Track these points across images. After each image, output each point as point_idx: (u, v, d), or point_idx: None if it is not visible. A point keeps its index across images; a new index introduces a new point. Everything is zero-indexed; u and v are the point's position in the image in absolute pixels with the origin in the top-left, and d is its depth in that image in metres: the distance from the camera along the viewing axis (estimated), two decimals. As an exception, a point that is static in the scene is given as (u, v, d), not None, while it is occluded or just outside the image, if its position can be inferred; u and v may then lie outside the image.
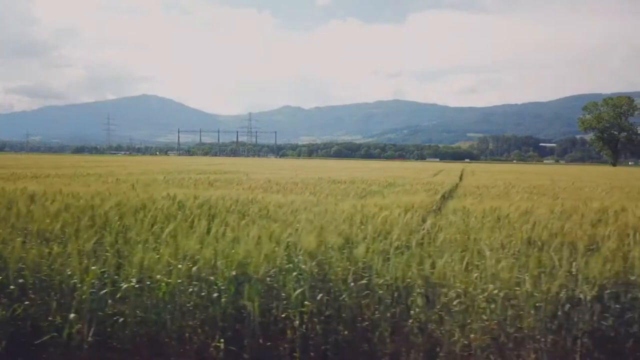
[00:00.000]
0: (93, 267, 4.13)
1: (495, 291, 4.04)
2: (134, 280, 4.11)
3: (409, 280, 4.19)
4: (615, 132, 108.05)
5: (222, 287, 4.11)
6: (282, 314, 4.10)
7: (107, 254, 4.41)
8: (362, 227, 5.52)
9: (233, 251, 4.26)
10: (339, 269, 4.22)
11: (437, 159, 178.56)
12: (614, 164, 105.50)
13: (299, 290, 4.05)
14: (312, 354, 4.05)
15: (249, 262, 4.16)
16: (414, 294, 4.15)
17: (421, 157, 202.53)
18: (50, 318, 3.97)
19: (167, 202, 6.64)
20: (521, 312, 4.06)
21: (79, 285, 4.04)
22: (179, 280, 4.10)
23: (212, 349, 3.98)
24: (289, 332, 4.09)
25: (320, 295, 4.14)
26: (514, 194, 12.30)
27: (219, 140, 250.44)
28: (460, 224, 6.09)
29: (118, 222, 5.57)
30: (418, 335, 4.04)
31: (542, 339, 4.00)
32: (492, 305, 4.04)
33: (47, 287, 4.13)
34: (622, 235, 5.25)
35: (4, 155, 76.24)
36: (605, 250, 4.46)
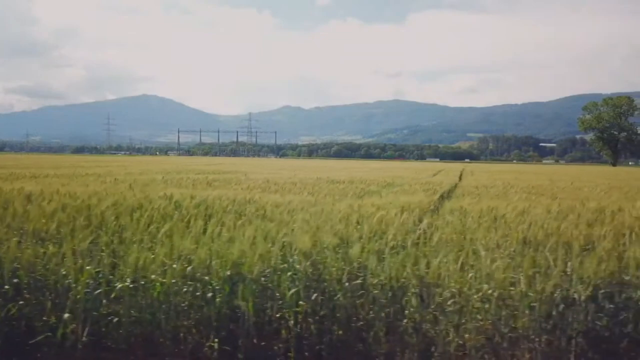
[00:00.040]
0: (88, 267, 4.13)
1: (490, 291, 4.04)
2: (128, 280, 4.11)
3: (403, 280, 4.19)
4: (615, 132, 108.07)
5: (217, 287, 4.11)
6: (277, 313, 4.11)
7: (102, 253, 4.42)
8: (358, 227, 5.52)
9: (228, 251, 4.26)
10: (334, 269, 4.22)
11: (437, 159, 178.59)
12: (614, 164, 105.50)
13: (293, 290, 4.06)
14: (306, 353, 4.05)
15: (243, 262, 4.16)
16: (409, 293, 4.15)
17: (421, 157, 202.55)
18: (44, 318, 3.97)
19: (163, 202, 6.63)
20: (516, 312, 4.07)
21: (74, 285, 4.04)
22: (174, 280, 4.10)
23: (206, 348, 3.99)
24: (283, 332, 4.10)
25: (315, 295, 4.14)
26: (512, 194, 12.30)
27: (219, 140, 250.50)
28: (457, 224, 6.09)
29: (114, 222, 5.57)
30: (413, 335, 4.04)
31: (537, 339, 4.00)
32: (487, 305, 4.04)
33: (42, 286, 4.13)
34: (617, 235, 5.25)
35: (4, 155, 76.26)
36: (600, 250, 4.46)
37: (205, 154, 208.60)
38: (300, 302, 4.08)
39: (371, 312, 4.12)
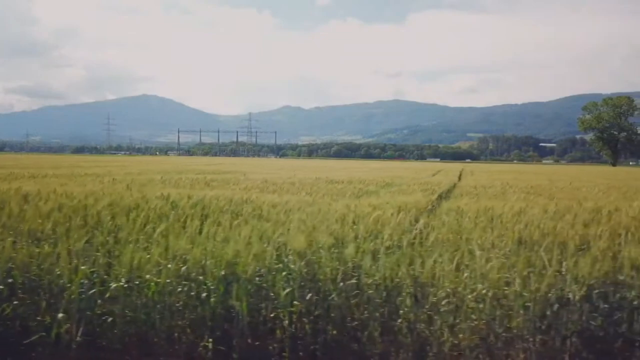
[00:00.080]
0: (82, 267, 4.13)
1: (484, 291, 4.04)
2: (123, 280, 4.11)
3: (398, 280, 4.19)
4: (615, 132, 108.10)
5: (212, 287, 4.11)
6: (271, 313, 4.11)
7: (98, 253, 4.42)
8: (354, 226, 5.52)
9: (222, 251, 4.26)
10: (328, 269, 4.22)
11: (438, 159, 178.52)
12: (613, 164, 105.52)
13: (287, 290, 4.06)
14: (301, 353, 4.05)
15: (237, 262, 4.16)
16: (404, 293, 4.15)
17: (421, 157, 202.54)
18: (39, 318, 3.97)
19: (160, 202, 6.64)
20: (510, 312, 4.07)
21: (68, 285, 4.04)
22: (168, 280, 4.10)
23: (200, 348, 3.99)
24: (278, 331, 4.10)
25: (310, 295, 4.14)
26: (510, 194, 12.30)
27: (219, 140, 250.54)
28: (453, 224, 6.09)
29: (110, 222, 5.58)
30: (407, 335, 4.04)
31: (531, 339, 4.00)
32: (481, 305, 4.04)
33: (37, 286, 4.13)
34: (613, 235, 5.25)
35: (4, 155, 76.28)
36: (595, 250, 4.46)
37: (205, 154, 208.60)
38: (295, 302, 4.08)
39: (366, 312, 4.12)
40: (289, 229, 5.13)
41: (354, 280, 4.22)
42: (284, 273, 4.20)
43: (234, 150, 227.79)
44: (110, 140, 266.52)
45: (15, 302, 4.04)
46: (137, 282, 4.13)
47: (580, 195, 11.51)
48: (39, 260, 4.26)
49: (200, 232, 5.01)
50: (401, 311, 4.08)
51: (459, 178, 24.89)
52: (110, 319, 4.02)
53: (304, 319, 4.08)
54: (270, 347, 4.08)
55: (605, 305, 4.05)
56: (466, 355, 3.99)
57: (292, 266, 4.23)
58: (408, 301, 4.09)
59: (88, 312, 3.99)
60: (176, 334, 4.06)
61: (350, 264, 4.33)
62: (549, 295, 4.04)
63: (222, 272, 4.12)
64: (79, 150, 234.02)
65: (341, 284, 4.17)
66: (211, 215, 6.21)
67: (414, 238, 5.14)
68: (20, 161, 40.08)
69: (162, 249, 4.39)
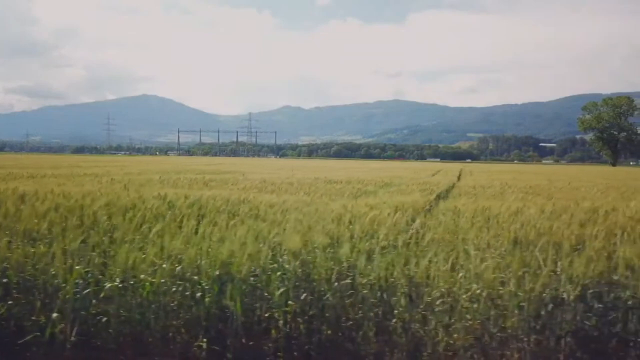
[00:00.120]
0: (77, 267, 4.13)
1: (478, 291, 4.04)
2: (117, 279, 4.11)
3: (393, 280, 4.20)
4: (615, 132, 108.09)
5: (206, 287, 4.11)
6: (266, 313, 4.11)
7: (93, 253, 4.42)
8: (350, 226, 5.52)
9: (217, 251, 4.27)
10: (323, 268, 4.22)
11: (438, 159, 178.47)
12: (613, 164, 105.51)
13: (281, 290, 4.06)
14: (295, 353, 4.05)
15: (232, 262, 4.16)
16: (399, 293, 4.15)
17: (421, 157, 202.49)
18: (33, 317, 3.97)
19: (157, 202, 6.64)
20: (505, 312, 4.07)
21: (63, 285, 4.04)
22: (163, 280, 4.11)
23: (195, 348, 3.99)
24: (273, 331, 4.10)
25: (304, 295, 4.14)
26: (509, 194, 12.30)
27: (219, 140, 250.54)
28: (450, 224, 6.10)
29: (107, 222, 5.58)
30: (402, 335, 4.04)
31: (526, 339, 4.00)
32: (476, 305, 4.04)
33: (31, 286, 4.13)
34: (609, 235, 5.26)
35: (4, 155, 76.28)
36: (590, 250, 4.46)
37: (205, 154, 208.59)
38: (290, 302, 4.08)
39: (360, 312, 4.12)
40: (284, 229, 5.14)
41: (348, 280, 4.22)
42: (278, 273, 4.20)
43: (234, 150, 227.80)
44: (110, 140, 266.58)
45: (9, 302, 4.04)
46: (132, 282, 4.13)
47: (578, 195, 11.51)
48: (34, 260, 4.26)
49: (196, 232, 5.02)
50: (396, 311, 4.08)
51: (458, 178, 24.89)
52: (104, 319, 4.02)
53: (299, 319, 4.08)
54: (265, 347, 4.08)
55: (600, 305, 4.05)
56: (461, 355, 3.99)
57: (287, 266, 4.23)
58: (403, 301, 4.10)
59: (83, 312, 3.99)
60: (171, 334, 4.06)
61: (345, 264, 4.33)
62: (544, 295, 4.05)
63: (217, 272, 4.12)
64: (79, 150, 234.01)
65: (336, 283, 4.17)
66: (208, 215, 6.22)
67: (410, 238, 5.14)
68: (20, 161, 40.08)
69: (158, 248, 4.40)
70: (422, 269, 4.19)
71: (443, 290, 4.12)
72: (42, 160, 44.89)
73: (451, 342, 4.02)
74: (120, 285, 4.11)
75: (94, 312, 4.04)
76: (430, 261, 4.31)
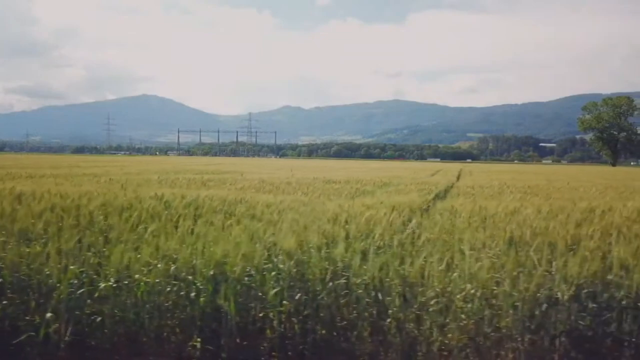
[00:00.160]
0: (72, 267, 4.14)
1: (472, 291, 4.04)
2: (112, 279, 4.12)
3: (387, 280, 4.20)
4: (615, 132, 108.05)
5: (201, 287, 4.11)
6: (260, 313, 4.11)
7: (88, 253, 4.42)
8: (346, 226, 5.52)
9: (211, 251, 4.27)
10: (317, 268, 4.22)
11: (438, 159, 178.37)
12: (613, 164, 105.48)
13: (275, 290, 4.06)
14: (290, 353, 4.05)
15: (226, 262, 4.16)
16: (393, 293, 4.15)
17: (421, 157, 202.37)
18: (27, 317, 3.97)
19: (153, 202, 6.64)
20: (499, 312, 4.07)
21: (57, 284, 4.04)
22: (157, 280, 4.11)
23: (189, 348, 3.99)
24: (267, 331, 4.10)
25: (299, 295, 4.14)
26: (507, 194, 12.32)
27: (218, 140, 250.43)
28: (446, 224, 6.10)
29: (102, 222, 5.59)
30: (396, 334, 4.04)
31: (520, 339, 4.00)
32: (470, 305, 4.04)
33: (26, 286, 4.13)
34: (604, 235, 5.26)
35: (4, 155, 76.27)
36: (585, 250, 4.46)
37: (205, 154, 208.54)
38: (284, 302, 4.08)
39: (355, 311, 4.12)
40: (280, 229, 5.14)
41: (343, 280, 4.22)
42: (273, 273, 4.20)
43: (234, 150, 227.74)
44: (110, 140, 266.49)
45: (4, 302, 4.04)
46: (127, 282, 4.14)
47: (576, 196, 11.52)
48: (29, 260, 4.27)
49: (192, 232, 5.02)
50: (390, 311, 4.08)
51: (458, 178, 24.90)
52: (99, 319, 4.02)
53: (293, 319, 4.08)
54: (260, 347, 4.08)
55: (594, 305, 4.05)
56: (455, 355, 3.99)
57: (282, 266, 4.23)
58: (397, 301, 4.10)
59: (77, 312, 4.00)
60: (165, 334, 4.07)
61: (340, 264, 4.33)
62: (538, 295, 4.05)
63: (211, 272, 4.12)
64: (79, 150, 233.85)
65: (330, 283, 4.17)
66: (204, 215, 6.22)
67: (406, 238, 5.14)
68: (20, 161, 40.10)
69: (153, 248, 4.40)
70: (417, 269, 4.19)
71: (437, 290, 4.12)
72: (41, 160, 44.89)
73: (446, 341, 4.02)
74: (115, 285, 4.12)
75: (88, 312, 4.04)
76: (425, 261, 4.32)
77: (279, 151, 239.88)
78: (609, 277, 4.15)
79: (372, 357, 4.05)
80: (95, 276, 4.18)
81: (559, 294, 4.05)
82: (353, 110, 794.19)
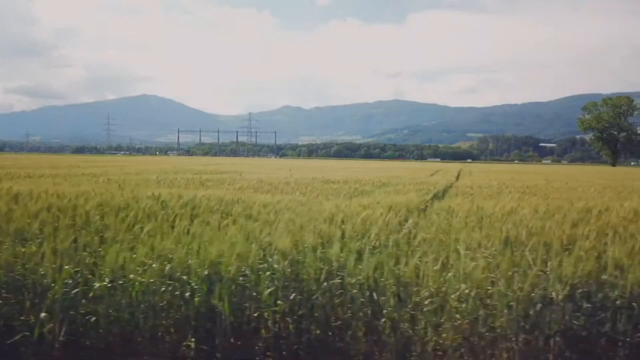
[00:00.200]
0: (67, 267, 4.14)
1: (467, 291, 4.04)
2: (107, 279, 4.12)
3: (382, 279, 4.20)
4: (615, 132, 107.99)
5: (195, 287, 4.11)
6: (255, 313, 4.11)
7: (83, 253, 4.43)
8: (342, 226, 5.52)
9: (206, 251, 4.27)
10: (312, 268, 4.22)
11: (439, 159, 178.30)
12: (613, 164, 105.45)
13: (269, 290, 4.06)
14: (284, 353, 4.05)
15: (221, 262, 4.16)
16: (388, 293, 4.15)
17: (421, 157, 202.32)
18: (22, 317, 3.98)
19: (150, 202, 6.65)
20: (494, 312, 4.07)
21: (52, 284, 4.04)
22: (152, 280, 4.11)
23: (184, 348, 3.99)
24: (262, 331, 4.10)
25: (293, 294, 4.14)
26: (505, 194, 12.31)
27: (218, 140, 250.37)
28: (443, 224, 6.10)
29: (99, 222, 5.59)
30: (390, 334, 4.04)
31: (514, 339, 4.00)
32: (464, 305, 4.05)
33: (21, 286, 4.14)
34: (600, 235, 5.26)
35: (3, 155, 76.26)
36: (580, 250, 4.46)
37: (205, 154, 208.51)
38: (279, 302, 4.08)
39: (349, 311, 4.13)
40: (275, 229, 5.14)
41: (338, 280, 4.22)
42: (268, 273, 4.20)
43: (234, 150, 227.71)
44: (110, 140, 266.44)
45: (-1, 302, 4.05)
46: (121, 282, 4.14)
47: (574, 195, 11.52)
48: (24, 260, 4.27)
49: (188, 232, 5.02)
50: (385, 311, 4.08)
51: (457, 178, 24.89)
52: (94, 319, 4.02)
53: (288, 319, 4.09)
54: (255, 347, 4.08)
55: (589, 305, 4.06)
56: (450, 355, 3.99)
57: (276, 266, 4.23)
58: (392, 301, 4.10)
59: (72, 312, 4.00)
60: (160, 334, 4.07)
61: (335, 264, 4.33)
62: (533, 294, 4.05)
63: (206, 272, 4.13)
64: (79, 150, 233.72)
65: (325, 283, 4.17)
66: (201, 215, 6.22)
67: (401, 238, 5.15)
68: (19, 161, 40.10)
69: (148, 248, 4.40)
70: (412, 269, 4.19)
71: (432, 290, 4.12)
72: (41, 160, 44.89)
73: (440, 341, 4.02)
74: (110, 285, 4.12)
75: (83, 311, 4.04)
76: (420, 261, 4.32)
77: (279, 151, 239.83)
78: (604, 277, 4.15)
79: (366, 357, 4.06)
80: (90, 276, 4.19)
81: (554, 294, 4.05)
82: (353, 110, 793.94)
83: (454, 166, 54.16)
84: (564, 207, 7.43)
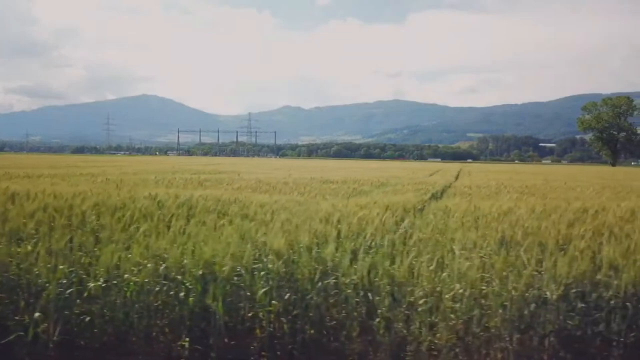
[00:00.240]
0: (61, 267, 4.14)
1: (461, 290, 4.04)
2: (101, 279, 4.12)
3: (377, 279, 4.20)
4: (615, 132, 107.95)
5: (190, 287, 4.11)
6: (249, 313, 4.11)
7: (79, 253, 4.43)
8: (338, 226, 5.52)
9: (201, 250, 4.27)
10: (306, 268, 4.22)
11: (439, 159, 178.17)
12: (613, 164, 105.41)
13: (263, 290, 4.06)
14: (279, 353, 4.05)
15: (215, 262, 4.16)
16: (383, 293, 4.15)
17: (421, 157, 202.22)
18: (17, 317, 3.98)
19: (147, 202, 6.65)
20: (489, 312, 4.07)
21: (47, 284, 4.04)
22: (146, 280, 4.11)
23: (178, 347, 3.99)
24: (257, 331, 4.10)
25: (288, 294, 4.14)
26: (503, 194, 12.31)
27: (218, 140, 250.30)
28: (439, 224, 6.10)
29: (95, 222, 5.59)
30: (385, 334, 4.04)
31: (509, 338, 4.00)
32: (458, 305, 4.04)
33: (15, 286, 4.13)
34: (596, 235, 5.26)
35: (3, 155, 76.22)
36: (575, 250, 4.46)
37: (205, 154, 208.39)
38: (273, 302, 4.08)
39: (344, 311, 4.12)
40: (271, 229, 5.14)
41: (332, 280, 4.22)
42: (262, 273, 4.20)
43: (234, 150, 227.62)
44: (110, 140, 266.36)
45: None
46: (116, 282, 4.14)
47: (571, 195, 11.52)
48: (19, 260, 4.27)
49: (183, 232, 5.02)
50: (379, 310, 4.08)
51: (456, 178, 24.88)
52: (88, 319, 4.02)
53: (282, 319, 4.08)
54: (250, 347, 4.08)
55: (583, 305, 4.06)
56: (444, 355, 3.99)
57: (271, 266, 4.23)
58: (386, 300, 4.10)
59: (66, 312, 4.00)
60: (154, 333, 4.07)
61: (329, 264, 4.33)
62: (527, 294, 4.05)
63: (200, 272, 4.12)
64: (79, 150, 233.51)
65: (319, 283, 4.17)
66: (197, 215, 6.22)
67: (397, 237, 5.14)
68: (19, 161, 40.09)
69: (143, 248, 4.40)
70: (406, 269, 4.19)
71: (427, 289, 4.12)
72: (41, 160, 44.87)
73: (435, 341, 4.02)
74: (104, 285, 4.12)
75: (77, 311, 4.04)
76: (414, 261, 4.32)
77: (278, 151, 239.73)
78: (598, 277, 4.15)
79: (361, 357, 4.06)
80: (84, 276, 4.19)
81: (548, 294, 4.05)
82: (353, 110, 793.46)
83: (454, 166, 54.13)
84: (561, 207, 7.43)
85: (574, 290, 4.07)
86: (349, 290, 4.14)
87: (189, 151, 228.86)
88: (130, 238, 4.84)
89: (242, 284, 4.16)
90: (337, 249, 4.45)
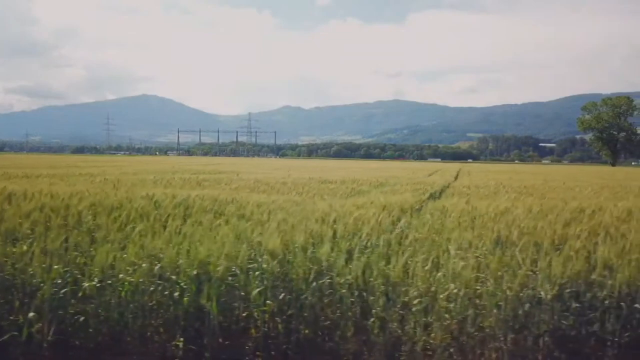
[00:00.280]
0: (56, 266, 4.14)
1: (455, 290, 4.04)
2: (96, 279, 4.12)
3: (371, 279, 4.20)
4: (615, 132, 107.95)
5: (184, 286, 4.12)
6: (244, 313, 4.11)
7: (74, 253, 4.43)
8: (334, 225, 5.52)
9: (196, 250, 4.27)
10: (301, 268, 4.22)
11: (439, 159, 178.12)
12: (613, 164, 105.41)
13: (258, 289, 4.06)
14: (273, 352, 4.06)
15: (210, 262, 4.16)
16: (377, 293, 4.16)
17: (421, 157, 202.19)
18: (11, 317, 3.98)
19: (143, 202, 6.65)
20: (483, 311, 4.07)
21: (41, 284, 4.04)
22: (141, 280, 4.11)
23: (173, 347, 3.99)
24: (251, 331, 4.11)
25: (283, 294, 4.14)
26: (502, 194, 12.31)
27: (218, 140, 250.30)
28: (435, 224, 6.10)
29: (91, 222, 5.59)
30: (380, 334, 4.04)
31: (503, 338, 4.00)
32: (453, 304, 4.05)
33: (10, 285, 4.14)
34: (591, 235, 5.26)
35: (3, 155, 76.23)
36: (570, 250, 4.46)
37: (205, 154, 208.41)
38: (268, 302, 4.09)
39: (338, 311, 4.13)
40: (267, 229, 5.14)
41: (327, 280, 4.22)
42: (257, 272, 4.20)
43: (234, 150, 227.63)
44: (110, 140, 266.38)
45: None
46: (111, 282, 4.14)
47: (569, 195, 11.51)
48: (14, 260, 4.27)
49: (179, 232, 5.02)
50: (374, 310, 4.08)
51: (455, 178, 24.88)
52: (83, 319, 4.02)
53: (277, 319, 4.09)
54: (244, 347, 4.08)
55: (577, 305, 4.06)
56: (439, 354, 3.99)
57: (265, 266, 4.23)
58: (381, 300, 4.10)
59: (60, 312, 4.00)
60: (149, 333, 4.07)
61: (324, 263, 4.33)
62: (522, 294, 4.05)
63: (195, 272, 4.13)
64: (79, 150, 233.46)
65: (314, 283, 4.17)
66: (194, 215, 6.22)
67: (393, 237, 5.14)
68: (18, 161, 40.10)
69: (138, 248, 4.40)
70: (401, 268, 4.19)
71: (421, 289, 4.12)
72: (40, 160, 44.88)
73: (429, 341, 4.02)
74: (99, 285, 4.12)
75: (72, 311, 4.05)
76: (409, 261, 4.32)
77: (278, 151, 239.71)
78: (593, 276, 4.15)
79: (355, 357, 4.06)
80: (79, 276, 4.19)
81: (543, 294, 4.05)
82: (353, 110, 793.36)
83: (454, 166, 54.12)
84: (558, 207, 7.43)
85: (568, 290, 4.07)
86: (344, 290, 4.14)
87: (189, 151, 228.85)
88: (126, 238, 4.84)
89: (237, 284, 4.16)
90: (332, 249, 4.45)
